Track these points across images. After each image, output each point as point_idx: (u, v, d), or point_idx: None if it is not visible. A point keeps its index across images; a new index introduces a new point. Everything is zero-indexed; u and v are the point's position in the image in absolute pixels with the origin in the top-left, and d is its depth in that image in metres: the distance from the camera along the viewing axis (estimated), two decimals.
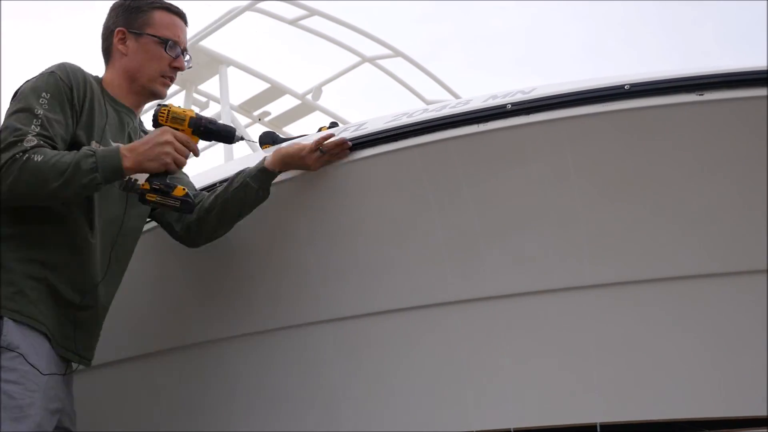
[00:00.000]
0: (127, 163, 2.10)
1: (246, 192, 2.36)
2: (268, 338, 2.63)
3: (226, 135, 2.28)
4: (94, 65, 2.38)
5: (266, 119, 4.85)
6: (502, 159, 2.20)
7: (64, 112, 2.17)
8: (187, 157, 2.20)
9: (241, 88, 4.71)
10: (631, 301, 2.21)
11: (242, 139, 2.38)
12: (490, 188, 2.24)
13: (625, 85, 2.07)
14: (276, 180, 2.39)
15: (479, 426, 2.32)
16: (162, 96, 2.42)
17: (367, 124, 2.43)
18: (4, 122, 2.12)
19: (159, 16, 2.39)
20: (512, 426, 2.28)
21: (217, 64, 4.22)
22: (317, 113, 4.87)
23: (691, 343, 2.19)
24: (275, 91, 4.66)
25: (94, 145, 2.19)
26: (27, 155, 2.02)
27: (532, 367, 2.29)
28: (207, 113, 4.68)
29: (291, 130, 4.93)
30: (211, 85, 4.59)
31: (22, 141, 2.04)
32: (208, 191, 2.54)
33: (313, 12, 4.47)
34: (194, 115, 2.23)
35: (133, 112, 2.40)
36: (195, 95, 4.54)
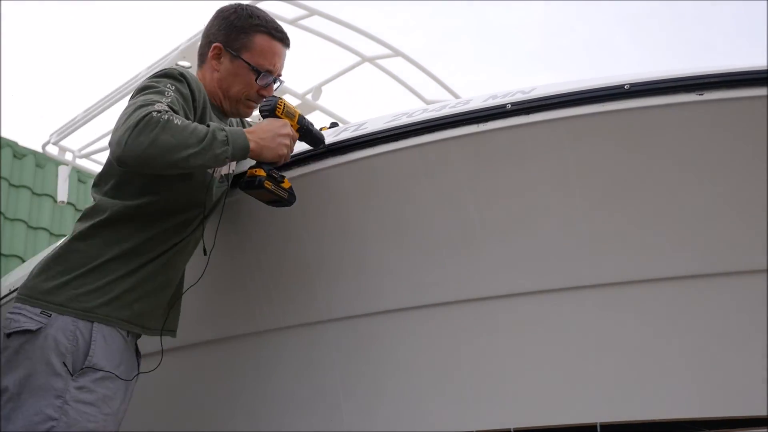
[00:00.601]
0: (252, 144, 2.13)
1: None
2: (268, 338, 2.63)
3: (318, 139, 2.34)
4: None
5: None
6: (502, 159, 2.20)
7: (186, 104, 2.17)
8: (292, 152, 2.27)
9: None
10: (630, 301, 2.21)
11: (325, 146, 2.37)
12: (490, 188, 2.24)
13: (625, 84, 2.07)
14: None
15: (479, 426, 2.32)
16: (245, 117, 2.47)
17: (367, 124, 2.43)
18: (131, 103, 2.08)
19: (260, 41, 2.39)
20: (512, 426, 2.28)
21: None
22: (317, 113, 4.87)
23: (690, 343, 2.19)
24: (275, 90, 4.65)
25: None
26: (168, 116, 2.00)
27: (531, 367, 2.29)
28: None
29: None
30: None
31: (157, 105, 2.02)
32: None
33: (312, 12, 4.47)
34: (301, 114, 2.31)
35: (226, 118, 2.43)
36: None
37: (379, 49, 4.83)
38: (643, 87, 2.06)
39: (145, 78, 2.22)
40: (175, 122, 1.99)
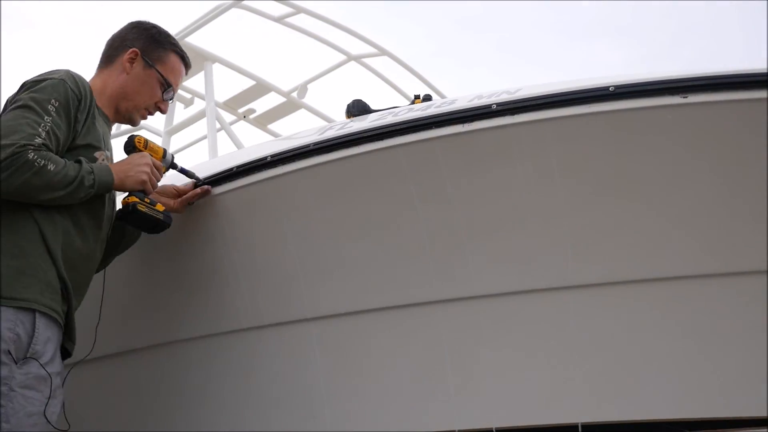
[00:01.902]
0: (115, 179, 2.30)
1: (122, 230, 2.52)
2: (252, 336, 2.62)
3: (188, 174, 2.58)
4: (84, 64, 2.40)
5: (251, 116, 4.84)
6: (487, 159, 2.20)
7: (68, 123, 2.23)
8: (158, 182, 2.44)
9: (226, 85, 4.70)
10: (614, 302, 2.22)
11: (199, 179, 2.57)
12: (475, 188, 2.24)
13: (610, 86, 2.08)
14: (260, 179, 2.40)
15: (462, 425, 2.32)
16: (135, 125, 2.60)
17: (352, 123, 2.43)
18: (11, 115, 2.15)
19: (174, 60, 2.56)
20: (494, 425, 2.28)
21: (202, 60, 4.20)
22: (303, 111, 4.86)
23: (674, 344, 2.20)
24: (260, 88, 4.64)
25: (98, 154, 2.31)
26: (43, 162, 2.10)
27: (515, 367, 2.29)
28: (191, 110, 4.68)
29: (277, 127, 4.92)
30: (196, 82, 4.57)
31: (32, 143, 2.10)
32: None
33: (299, 10, 4.46)
34: (165, 150, 2.52)
35: (110, 124, 2.51)
36: (180, 92, 4.51)
37: (365, 48, 4.82)
38: (627, 89, 2.07)
39: (40, 80, 2.25)
40: (49, 168, 2.11)
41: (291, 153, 2.42)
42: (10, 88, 2.32)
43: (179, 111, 4.62)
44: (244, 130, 4.92)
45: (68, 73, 2.29)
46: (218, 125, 4.09)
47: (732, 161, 2.07)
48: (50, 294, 2.16)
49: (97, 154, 2.31)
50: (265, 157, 2.45)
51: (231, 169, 2.52)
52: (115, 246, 2.53)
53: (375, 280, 2.40)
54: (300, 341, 2.54)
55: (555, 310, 2.25)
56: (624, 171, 2.14)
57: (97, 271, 2.46)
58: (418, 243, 2.33)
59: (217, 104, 4.33)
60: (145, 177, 2.36)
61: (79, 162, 2.21)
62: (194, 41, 4.20)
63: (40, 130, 2.13)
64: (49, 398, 2.12)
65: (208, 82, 4.17)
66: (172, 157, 2.54)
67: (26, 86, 2.24)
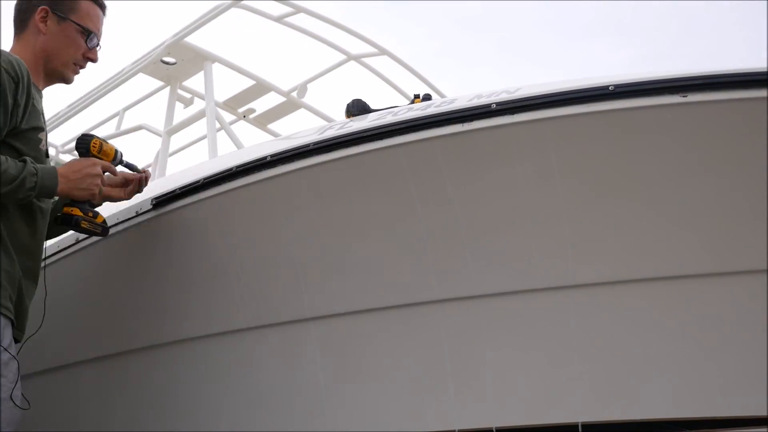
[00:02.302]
0: (60, 187, 2.22)
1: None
2: (252, 336, 2.62)
3: (133, 168, 2.52)
4: None
5: (251, 116, 4.83)
6: (487, 158, 2.20)
7: (6, 109, 2.17)
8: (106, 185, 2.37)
9: (226, 84, 4.70)
10: (614, 302, 2.22)
11: (140, 171, 2.54)
12: (475, 188, 2.24)
13: (610, 85, 2.08)
14: (259, 178, 2.40)
15: (462, 425, 2.32)
16: (69, 82, 2.48)
17: (352, 123, 2.43)
18: None
19: (86, 5, 2.44)
20: (494, 425, 2.28)
21: (201, 60, 4.19)
22: (303, 110, 4.86)
23: (674, 344, 2.20)
24: (260, 88, 4.64)
25: (41, 135, 2.27)
26: None
27: (514, 366, 2.29)
28: (191, 110, 4.67)
29: (276, 127, 4.92)
30: (195, 82, 4.56)
31: None
32: (191, 189, 2.55)
33: (298, 9, 4.45)
34: (117, 151, 2.44)
35: (41, 93, 2.42)
36: (179, 92, 4.51)
37: (365, 47, 4.82)
38: (627, 88, 2.07)
39: None
40: None
41: (291, 153, 2.42)
42: None
43: (179, 111, 4.62)
44: (244, 130, 4.92)
45: (4, 58, 2.20)
46: (218, 125, 4.08)
47: (732, 160, 2.07)
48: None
49: (41, 135, 2.27)
50: (265, 157, 2.45)
51: (231, 169, 2.52)
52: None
53: (375, 280, 2.40)
54: (300, 341, 2.54)
55: (555, 310, 2.25)
56: (624, 170, 2.14)
57: None
58: (418, 243, 2.33)
59: (217, 104, 4.32)
60: (95, 190, 2.30)
61: (23, 161, 2.16)
62: (194, 41, 4.19)
63: None
64: (16, 382, 2.13)
65: (208, 82, 4.17)
66: (121, 155, 2.46)
67: None
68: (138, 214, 2.67)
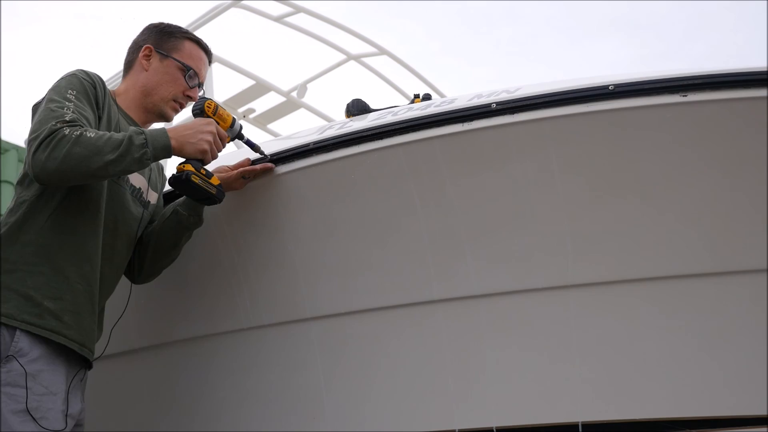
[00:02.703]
0: (172, 142, 2.20)
1: (177, 219, 2.42)
2: (251, 336, 2.62)
3: (254, 148, 2.44)
4: (74, 62, 2.39)
5: (251, 116, 4.83)
6: (487, 158, 2.20)
7: (90, 107, 2.22)
8: (219, 152, 2.32)
9: (226, 84, 4.70)
10: (614, 302, 2.22)
11: (264, 153, 2.44)
12: (474, 187, 2.24)
13: (609, 85, 2.08)
14: (260, 179, 2.40)
15: (462, 425, 2.32)
16: (170, 119, 2.52)
17: (352, 122, 2.43)
18: (37, 116, 2.15)
19: (189, 46, 2.50)
20: (495, 425, 2.28)
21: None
22: (302, 110, 4.86)
23: (674, 343, 2.20)
24: (260, 87, 4.64)
25: None
26: (79, 131, 2.07)
27: (514, 366, 2.29)
28: (190, 109, 4.66)
29: (276, 127, 4.92)
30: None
31: (63, 120, 2.08)
32: None
33: (298, 9, 4.46)
34: (234, 119, 2.39)
35: (132, 121, 2.44)
36: None
37: (364, 47, 4.82)
38: (627, 88, 2.07)
39: (50, 89, 2.25)
40: (88, 135, 2.07)
41: (290, 153, 2.42)
42: (18, 83, 2.32)
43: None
44: (244, 130, 4.91)
45: (78, 69, 2.30)
46: None
47: (732, 160, 2.07)
48: (29, 308, 2.13)
49: None
50: (265, 157, 2.45)
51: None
52: (162, 249, 2.46)
53: (375, 280, 2.40)
54: (300, 341, 2.54)
55: (555, 310, 2.25)
56: (624, 170, 2.14)
57: (146, 274, 2.49)
58: (418, 243, 2.33)
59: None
60: (206, 146, 2.25)
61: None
62: None
63: (65, 111, 2.12)
64: (40, 395, 2.10)
65: (208, 82, 4.15)
66: (240, 127, 2.41)
67: (42, 99, 2.24)
68: None
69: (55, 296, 2.16)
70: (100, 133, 2.10)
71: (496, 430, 2.29)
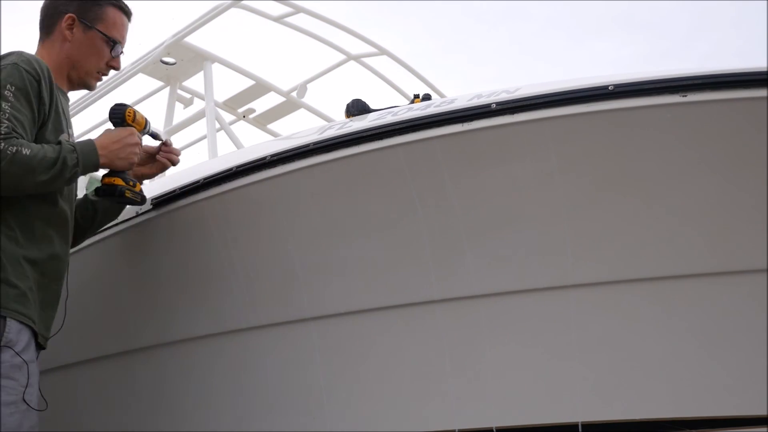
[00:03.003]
0: (102, 159, 2.26)
1: (95, 208, 2.50)
2: (252, 336, 2.62)
3: (155, 136, 2.53)
4: None
5: (251, 116, 4.83)
6: (486, 158, 2.20)
7: (29, 105, 2.17)
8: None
9: (226, 84, 4.70)
10: (614, 302, 2.22)
11: (162, 140, 2.56)
12: (474, 187, 2.24)
13: (609, 85, 2.08)
14: (259, 178, 2.41)
15: (462, 425, 2.32)
16: (92, 89, 2.54)
17: (352, 122, 2.43)
18: None
19: (112, 14, 2.45)
20: (494, 425, 2.28)
21: (201, 60, 4.19)
22: (302, 110, 4.86)
23: (674, 343, 2.20)
24: (260, 88, 4.64)
25: (64, 137, 2.26)
26: (15, 148, 2.05)
27: (514, 366, 2.29)
28: (191, 110, 4.67)
29: (276, 127, 4.92)
30: (195, 82, 4.56)
31: (1, 127, 2.06)
32: (192, 189, 2.55)
33: (298, 9, 4.45)
34: (146, 119, 2.45)
35: (67, 96, 2.45)
36: (179, 91, 4.51)
37: (364, 47, 4.82)
38: (627, 88, 2.07)
39: None
40: (23, 152, 2.07)
41: (291, 153, 2.42)
42: None
43: (179, 111, 4.62)
44: (244, 130, 4.92)
45: (20, 55, 2.22)
46: (218, 125, 4.08)
47: (732, 160, 2.07)
48: (16, 296, 2.14)
49: (61, 137, 2.26)
50: (265, 157, 2.45)
51: (231, 169, 2.52)
52: (87, 227, 2.52)
53: (375, 280, 2.40)
54: (300, 341, 2.54)
55: (555, 310, 2.25)
56: (623, 170, 2.14)
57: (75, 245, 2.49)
58: (418, 243, 2.33)
59: (217, 104, 4.32)
60: (135, 159, 2.34)
61: (57, 143, 2.18)
62: (194, 41, 4.19)
63: (2, 117, 2.08)
64: (26, 386, 2.12)
65: (208, 82, 4.16)
66: (150, 125, 2.47)
67: None
68: (138, 214, 2.67)
69: (28, 286, 2.19)
70: (36, 150, 2.10)
71: (496, 430, 2.29)
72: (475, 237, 2.27)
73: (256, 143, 3.08)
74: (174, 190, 2.61)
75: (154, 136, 2.52)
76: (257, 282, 2.56)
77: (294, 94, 4.75)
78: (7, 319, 2.12)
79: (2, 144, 2.04)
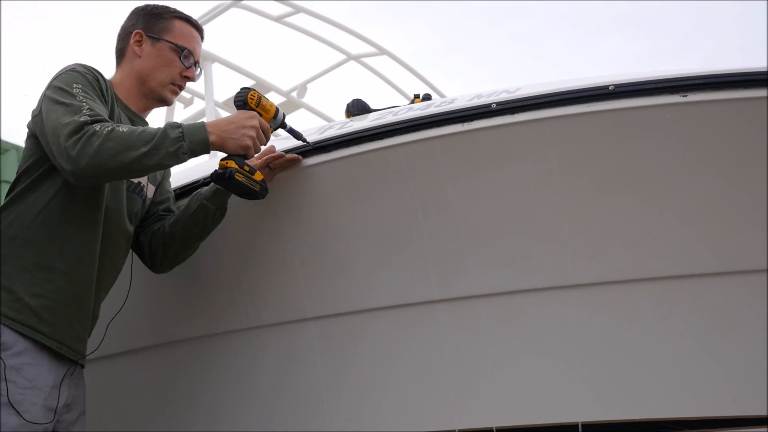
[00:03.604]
0: (212, 137, 2.13)
1: (205, 214, 2.38)
2: (251, 336, 2.62)
3: (297, 136, 2.36)
4: (74, 61, 2.37)
5: None
6: (487, 158, 2.20)
7: (100, 100, 2.19)
8: (263, 145, 2.25)
9: (226, 84, 4.70)
10: (614, 301, 2.22)
11: (307, 142, 2.37)
12: (475, 187, 2.24)
13: (610, 85, 2.08)
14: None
15: (462, 425, 2.32)
16: (170, 102, 2.46)
17: (352, 122, 2.43)
18: (48, 118, 2.11)
19: (179, 25, 2.43)
20: (495, 425, 2.28)
21: (201, 60, 4.19)
22: (303, 110, 4.86)
23: (674, 344, 2.20)
24: (260, 88, 4.63)
25: None
26: (110, 126, 2.04)
27: (515, 366, 2.29)
28: (191, 110, 4.67)
29: None
30: (195, 82, 4.56)
31: (87, 117, 2.05)
32: (192, 189, 2.55)
33: (298, 9, 4.46)
34: (277, 108, 2.31)
35: (143, 118, 2.42)
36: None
37: (364, 47, 4.82)
38: (627, 88, 2.07)
39: (50, 84, 2.19)
40: (120, 130, 2.04)
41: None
42: (19, 83, 2.29)
43: (179, 111, 4.62)
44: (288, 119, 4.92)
45: (75, 64, 2.25)
46: None
47: (732, 160, 2.07)
48: (10, 302, 2.12)
49: None
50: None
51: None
52: (190, 235, 2.42)
53: (375, 280, 2.40)
54: (300, 341, 2.54)
55: (555, 310, 2.25)
56: (624, 170, 2.14)
57: (168, 264, 2.46)
58: (418, 243, 2.33)
59: (217, 104, 4.32)
60: (249, 142, 2.17)
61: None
62: None
63: (82, 105, 2.08)
64: (23, 388, 2.10)
65: (208, 82, 4.17)
66: (284, 116, 2.33)
67: (43, 96, 2.19)
68: None
69: (36, 293, 2.15)
70: (132, 128, 2.07)
71: (496, 430, 2.28)
72: (475, 237, 2.27)
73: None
74: (174, 191, 2.62)
75: (292, 132, 2.35)
76: (257, 282, 2.56)
77: (294, 94, 4.76)
78: (1, 324, 2.12)
79: (97, 125, 2.02)
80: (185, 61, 2.41)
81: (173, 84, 2.41)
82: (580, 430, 2.21)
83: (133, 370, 2.90)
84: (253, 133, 2.19)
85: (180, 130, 2.09)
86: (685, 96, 2.03)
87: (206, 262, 2.63)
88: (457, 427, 2.32)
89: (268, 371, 2.61)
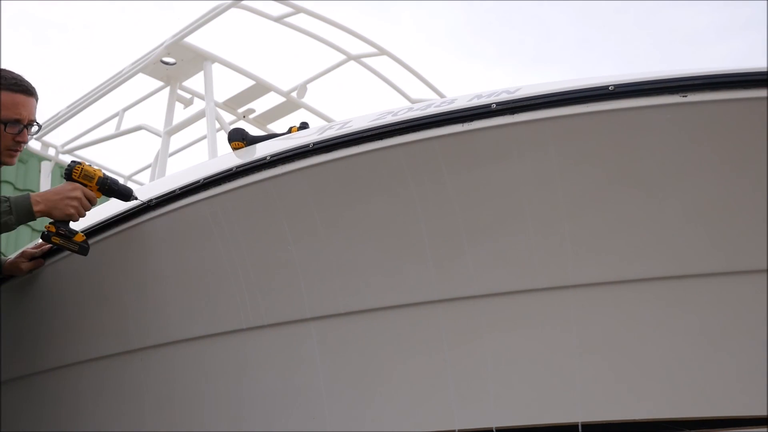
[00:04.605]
0: (37, 207, 2.55)
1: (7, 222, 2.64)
2: (251, 336, 2.62)
3: (125, 194, 2.69)
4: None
5: (251, 116, 4.83)
6: (487, 158, 2.20)
7: None
8: (87, 211, 2.64)
9: (226, 85, 4.70)
10: (614, 302, 2.22)
11: (136, 198, 2.69)
12: (474, 188, 2.24)
13: (610, 85, 2.08)
14: (259, 179, 2.41)
15: (462, 425, 2.32)
16: (11, 164, 2.71)
17: (352, 122, 2.43)
18: None
19: (4, 97, 2.61)
20: (494, 425, 2.28)
21: (201, 60, 4.19)
22: (302, 111, 4.86)
23: (674, 344, 2.20)
24: (260, 88, 4.64)
25: None
26: None
27: (514, 366, 2.29)
28: (191, 110, 4.67)
29: (276, 127, 4.92)
30: (195, 82, 4.57)
31: None
32: (191, 189, 2.55)
33: (298, 9, 4.45)
34: (102, 175, 2.66)
35: None
36: (179, 92, 4.52)
37: (364, 48, 4.82)
38: (627, 88, 2.07)
39: None
40: None
41: (291, 153, 2.42)
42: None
43: (179, 111, 4.62)
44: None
45: None
46: (218, 125, 4.08)
47: (732, 160, 2.07)
48: None
49: None
50: (265, 157, 2.45)
51: (231, 169, 2.53)
52: None
53: (375, 280, 2.40)
54: (300, 341, 2.54)
55: (555, 310, 2.25)
56: (624, 170, 2.14)
57: None
58: (418, 243, 2.33)
59: (217, 104, 4.32)
60: (72, 210, 2.58)
61: None
62: (194, 41, 4.19)
63: None
64: None
65: (208, 82, 4.16)
66: (108, 181, 2.66)
67: None
68: (138, 215, 2.67)
69: None
70: None
71: (496, 430, 2.28)
72: (475, 237, 2.27)
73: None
74: (174, 190, 2.62)
75: (119, 195, 2.68)
76: (257, 282, 2.56)
77: (294, 94, 4.76)
78: None
79: None
80: (11, 130, 2.61)
81: (9, 149, 2.64)
82: (580, 430, 2.21)
83: (133, 370, 2.90)
84: (75, 203, 2.58)
85: (8, 204, 2.50)
86: (685, 96, 2.03)
87: (206, 262, 2.63)
88: (456, 427, 2.32)
89: (267, 371, 2.61)
